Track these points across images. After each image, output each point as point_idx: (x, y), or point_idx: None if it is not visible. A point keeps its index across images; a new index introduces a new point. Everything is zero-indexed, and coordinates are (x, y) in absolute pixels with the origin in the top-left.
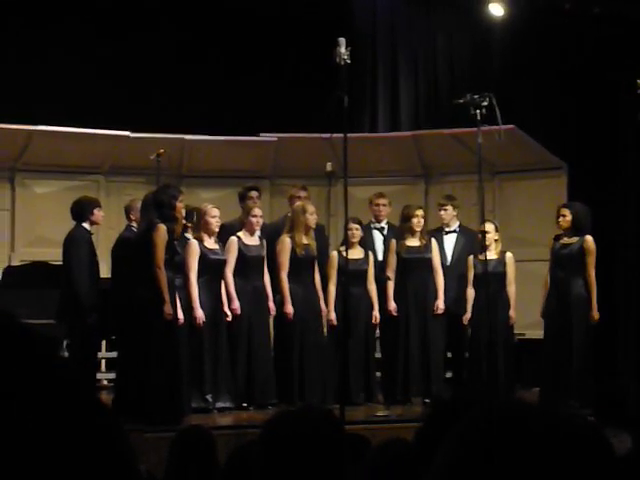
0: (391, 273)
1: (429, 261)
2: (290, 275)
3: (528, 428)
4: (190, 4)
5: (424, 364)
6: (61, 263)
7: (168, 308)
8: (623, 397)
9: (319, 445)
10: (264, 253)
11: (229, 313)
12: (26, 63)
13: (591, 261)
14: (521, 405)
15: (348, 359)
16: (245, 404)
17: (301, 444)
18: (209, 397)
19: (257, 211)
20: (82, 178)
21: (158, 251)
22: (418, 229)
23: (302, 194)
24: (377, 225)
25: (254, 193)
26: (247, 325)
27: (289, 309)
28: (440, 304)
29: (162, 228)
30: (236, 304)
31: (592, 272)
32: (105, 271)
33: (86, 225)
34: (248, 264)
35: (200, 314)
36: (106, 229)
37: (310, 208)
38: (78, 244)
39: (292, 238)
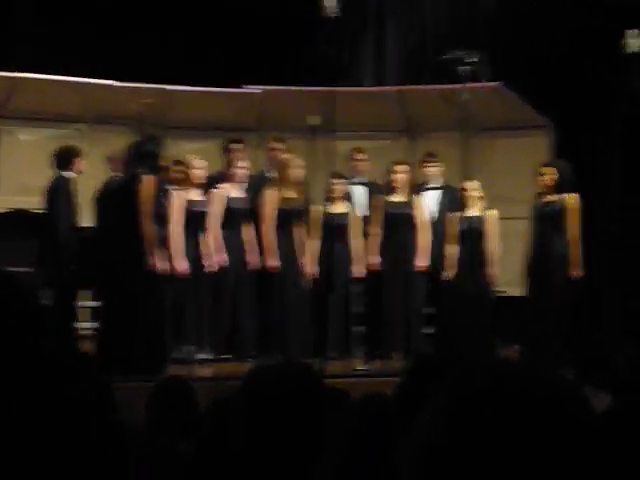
0: (376, 228)
1: (411, 217)
2: (274, 228)
3: (511, 390)
4: None
5: (405, 319)
6: (42, 211)
7: (152, 259)
8: (605, 357)
9: (299, 400)
10: (248, 205)
11: (209, 265)
12: (10, 8)
13: (574, 218)
14: (503, 365)
15: (327, 313)
16: (226, 355)
17: (281, 399)
18: (189, 348)
19: (242, 163)
20: (66, 127)
21: (145, 202)
22: (400, 185)
23: (279, 146)
24: (357, 180)
25: (237, 146)
26: (233, 277)
27: (272, 262)
28: (419, 262)
29: (148, 179)
30: (222, 257)
31: (576, 230)
32: (86, 220)
33: (68, 174)
34: (234, 216)
35: (183, 265)
36: (88, 178)
37: (296, 161)
38: (59, 193)
39: (277, 191)
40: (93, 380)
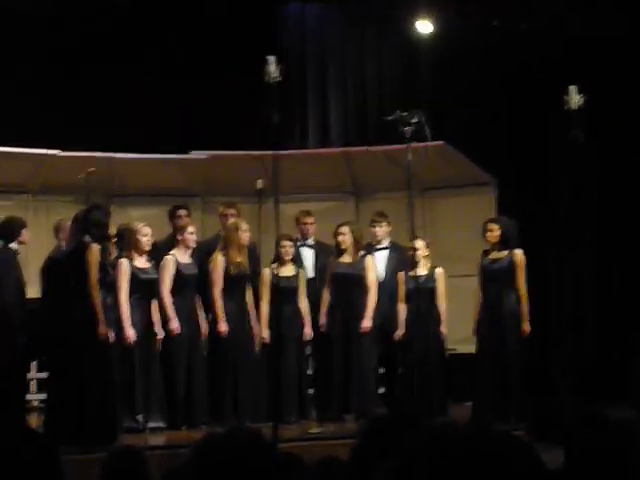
0: (325, 291)
1: (359, 278)
2: (223, 293)
3: (462, 452)
4: (118, 20)
5: (357, 380)
6: None
7: (102, 328)
8: (557, 412)
9: (248, 468)
10: (197, 271)
11: (161, 333)
12: None
13: (521, 274)
14: (453, 427)
15: (281, 377)
16: (178, 424)
17: (230, 467)
18: (140, 417)
19: (192, 228)
20: (10, 197)
21: (92, 271)
22: (344, 246)
23: (231, 212)
24: (306, 242)
25: (182, 212)
26: (186, 344)
27: (223, 327)
28: (365, 323)
29: (95, 248)
30: (175, 324)
31: (523, 286)
32: (34, 291)
33: (13, 245)
34: (185, 283)
35: (131, 333)
36: (36, 248)
37: (243, 225)
38: (4, 264)
39: (225, 256)
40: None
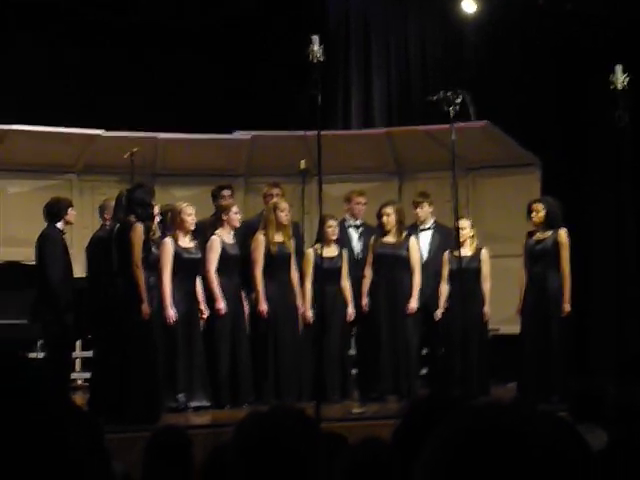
0: (367, 270)
1: (403, 258)
2: (265, 273)
3: (506, 430)
4: (165, 3)
5: (399, 361)
6: (34, 263)
7: (146, 307)
8: (599, 393)
9: (292, 446)
10: (239, 251)
11: (206, 312)
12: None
13: (565, 254)
14: (498, 406)
15: (324, 357)
16: (222, 403)
17: (274, 445)
18: (181, 396)
19: (236, 208)
20: (55, 177)
21: (136, 250)
22: (388, 227)
23: (275, 191)
24: (352, 222)
25: (226, 192)
26: (230, 323)
27: (263, 307)
28: (412, 304)
29: (139, 227)
30: (222, 304)
31: (566, 265)
32: (79, 270)
33: (59, 225)
34: (229, 262)
35: (172, 313)
36: (80, 228)
37: (282, 205)
38: (52, 244)
39: (266, 236)
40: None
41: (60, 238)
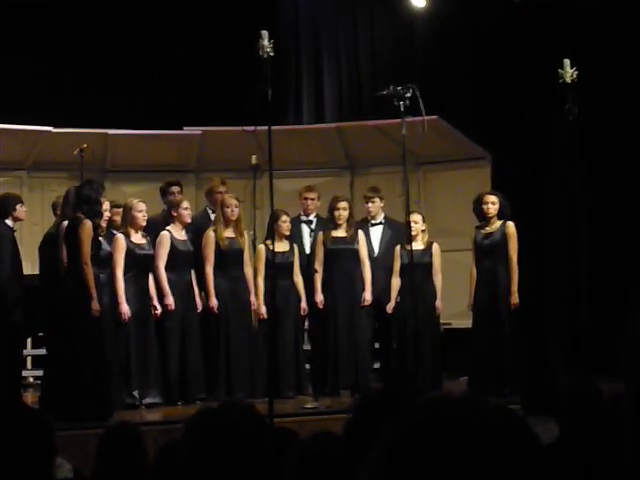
0: (318, 265)
1: (355, 252)
2: (215, 269)
3: (456, 423)
4: None
5: (352, 355)
6: None
7: (95, 304)
8: (551, 385)
9: (241, 441)
10: (192, 247)
11: (159, 308)
12: None
13: (513, 246)
14: (448, 399)
15: (277, 352)
16: (174, 399)
17: (223, 441)
18: (136, 393)
19: (187, 204)
20: (4, 174)
21: (84, 247)
22: (340, 222)
23: (222, 189)
24: (305, 218)
25: (175, 188)
26: (179, 320)
27: (213, 303)
28: (367, 296)
29: (88, 224)
30: (170, 299)
31: (514, 257)
32: (30, 268)
33: (8, 222)
34: (179, 259)
35: (125, 309)
36: (30, 225)
37: (229, 201)
38: (0, 240)
39: (215, 232)
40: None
41: (9, 235)
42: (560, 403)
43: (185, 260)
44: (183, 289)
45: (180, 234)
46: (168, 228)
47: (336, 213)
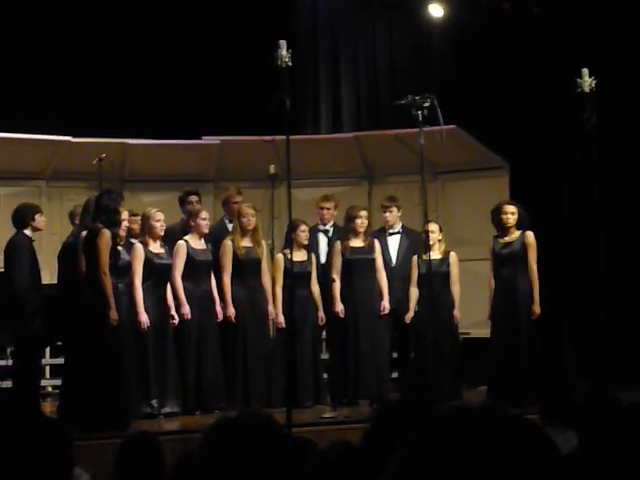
0: (336, 275)
1: (373, 262)
2: (233, 278)
3: (474, 434)
4: (133, 5)
5: (371, 365)
6: (2, 270)
7: (114, 314)
8: (570, 395)
9: (258, 452)
10: (210, 257)
11: (176, 318)
12: None
13: (533, 256)
14: (466, 410)
15: (295, 361)
16: (192, 409)
17: (240, 451)
18: (154, 402)
19: (205, 214)
20: (23, 184)
21: (103, 256)
22: (362, 230)
23: (238, 199)
24: (322, 227)
25: (194, 197)
26: (196, 329)
27: (230, 312)
28: (386, 304)
29: (106, 233)
30: (186, 309)
31: (534, 267)
32: (49, 277)
33: (27, 231)
34: (196, 268)
35: (144, 319)
36: (49, 235)
37: (245, 210)
38: (19, 250)
39: (233, 241)
40: (53, 440)
41: (28, 245)
42: (579, 413)
43: (203, 269)
44: (200, 298)
45: (198, 243)
46: (186, 238)
47: (358, 221)
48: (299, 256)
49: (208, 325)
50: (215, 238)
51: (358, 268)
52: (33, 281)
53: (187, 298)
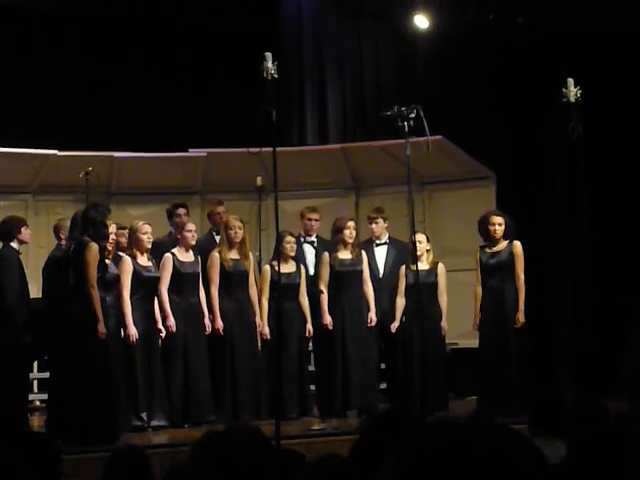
0: (324, 286)
1: (361, 273)
2: (221, 290)
3: (462, 446)
4: (116, 19)
5: (359, 376)
6: None
7: (102, 327)
8: (558, 405)
9: (247, 465)
10: (199, 269)
11: (163, 330)
12: None
13: (520, 265)
14: (454, 422)
15: (282, 373)
16: (180, 422)
17: (228, 465)
18: (144, 415)
19: (191, 226)
20: (10, 198)
21: (91, 270)
22: (350, 241)
23: (220, 209)
24: (309, 239)
25: (182, 210)
26: (182, 342)
27: (218, 324)
28: (372, 316)
29: (94, 246)
30: (171, 321)
31: (522, 276)
32: (35, 291)
33: (14, 244)
34: (183, 281)
35: (133, 332)
36: (36, 248)
37: (233, 223)
38: (7, 263)
39: (220, 253)
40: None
41: (15, 257)
42: (567, 422)
43: (190, 282)
44: (187, 311)
45: (185, 256)
46: (173, 250)
47: (346, 232)
48: (287, 268)
49: (195, 337)
50: (203, 250)
51: (346, 280)
52: (21, 295)
53: (173, 311)
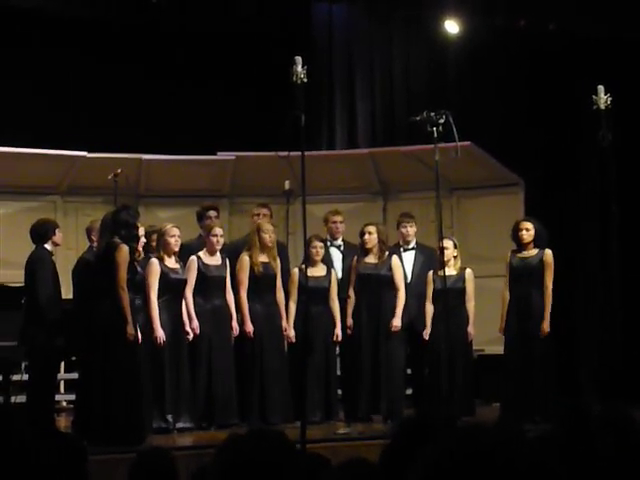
0: (351, 291)
1: (385, 278)
2: (250, 293)
3: (491, 452)
4: (147, 24)
5: (385, 381)
6: (21, 285)
7: (130, 329)
8: (584, 412)
9: (271, 468)
10: (225, 273)
11: (190, 333)
12: None
13: (550, 274)
14: (482, 428)
15: (307, 377)
16: (206, 424)
17: (253, 468)
18: (169, 417)
19: (217, 230)
20: (39, 199)
21: (121, 271)
22: (369, 246)
23: (262, 212)
24: (334, 243)
25: (212, 212)
26: (207, 345)
27: (248, 327)
28: (395, 322)
29: (124, 248)
30: (195, 323)
31: (550, 285)
32: (64, 292)
33: (47, 246)
34: (208, 284)
35: (160, 334)
36: (64, 250)
37: (266, 227)
38: (42, 265)
39: (250, 257)
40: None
41: (49, 259)
42: (592, 431)
43: (215, 285)
44: (211, 314)
45: (211, 259)
46: (199, 253)
47: (365, 237)
48: (317, 271)
49: (220, 341)
50: (235, 254)
51: (370, 284)
52: (55, 296)
53: (198, 313)
